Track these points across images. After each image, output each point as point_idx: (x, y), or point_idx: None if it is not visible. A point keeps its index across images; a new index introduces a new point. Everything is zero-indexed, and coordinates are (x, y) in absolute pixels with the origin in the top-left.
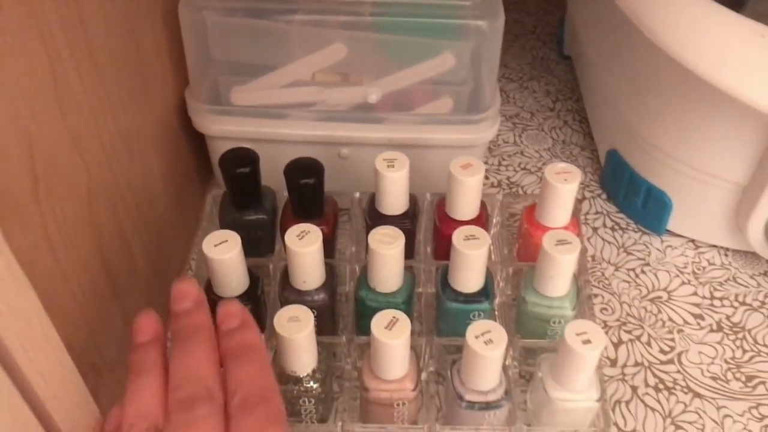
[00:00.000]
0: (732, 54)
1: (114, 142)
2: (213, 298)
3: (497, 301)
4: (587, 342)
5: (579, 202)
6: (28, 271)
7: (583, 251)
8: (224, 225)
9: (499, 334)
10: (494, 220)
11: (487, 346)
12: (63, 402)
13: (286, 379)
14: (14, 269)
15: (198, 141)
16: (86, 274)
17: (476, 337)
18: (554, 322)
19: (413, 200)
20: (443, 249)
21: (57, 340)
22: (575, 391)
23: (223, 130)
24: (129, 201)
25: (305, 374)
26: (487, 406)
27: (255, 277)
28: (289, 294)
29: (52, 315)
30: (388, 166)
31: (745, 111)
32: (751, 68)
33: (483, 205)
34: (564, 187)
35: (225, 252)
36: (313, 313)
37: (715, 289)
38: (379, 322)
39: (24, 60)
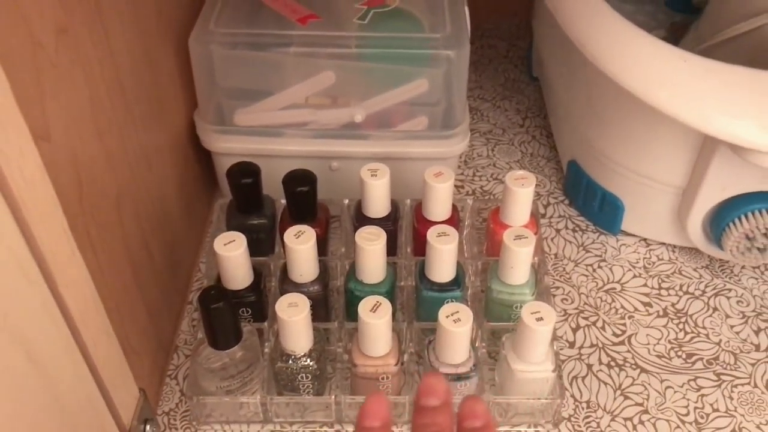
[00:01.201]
0: (661, 76)
1: (137, 156)
2: (224, 289)
3: (469, 292)
4: (540, 319)
5: (544, 207)
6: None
7: (541, 246)
8: (230, 228)
9: (465, 314)
10: (466, 222)
11: (456, 324)
12: (108, 364)
13: (286, 357)
14: (76, 253)
15: (205, 157)
16: (116, 268)
17: (447, 316)
18: (516, 307)
19: (395, 205)
20: (421, 246)
21: (104, 314)
22: (533, 363)
23: (227, 147)
24: (149, 207)
25: (303, 353)
26: (458, 377)
27: (258, 273)
28: (288, 286)
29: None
30: (371, 175)
31: (677, 124)
32: (676, 88)
33: (455, 208)
34: (521, 190)
35: (233, 249)
36: (309, 302)
37: (663, 281)
38: (365, 305)
39: (72, 90)
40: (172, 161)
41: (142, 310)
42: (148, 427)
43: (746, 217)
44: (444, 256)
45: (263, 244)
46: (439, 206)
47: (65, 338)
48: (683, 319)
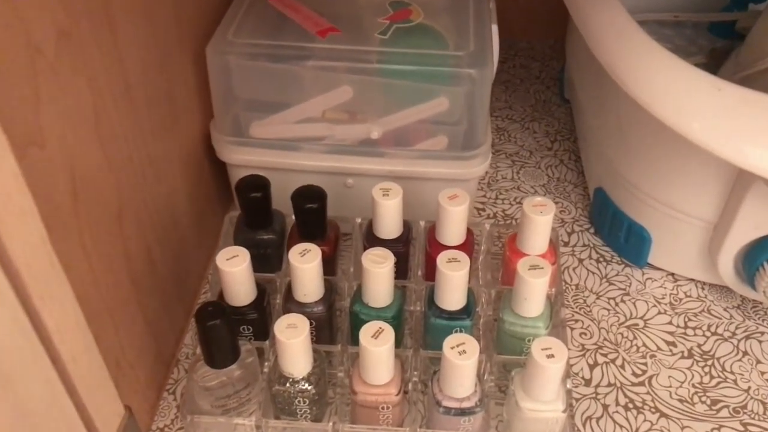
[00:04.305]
0: (693, 106)
1: (144, 166)
2: (225, 306)
3: (481, 321)
4: (551, 356)
5: (568, 234)
6: (64, 272)
7: (559, 277)
8: (238, 243)
9: (472, 345)
10: (482, 247)
11: (461, 356)
12: (89, 381)
13: (283, 380)
14: (55, 265)
15: (220, 168)
16: (114, 279)
17: (452, 348)
18: (528, 340)
19: (407, 226)
20: (432, 271)
21: (85, 328)
22: (542, 402)
23: (243, 159)
24: (155, 218)
25: (300, 377)
26: (462, 412)
27: (262, 290)
28: (291, 305)
29: (82, 312)
30: (383, 195)
31: (710, 156)
32: (709, 118)
33: (470, 232)
34: (539, 218)
35: (235, 265)
36: (312, 323)
37: (690, 319)
38: (366, 331)
39: (72, 96)
40: (184, 172)
41: (140, 322)
42: None
43: None
44: (453, 283)
45: (271, 260)
46: (453, 230)
47: (37, 353)
48: (710, 362)
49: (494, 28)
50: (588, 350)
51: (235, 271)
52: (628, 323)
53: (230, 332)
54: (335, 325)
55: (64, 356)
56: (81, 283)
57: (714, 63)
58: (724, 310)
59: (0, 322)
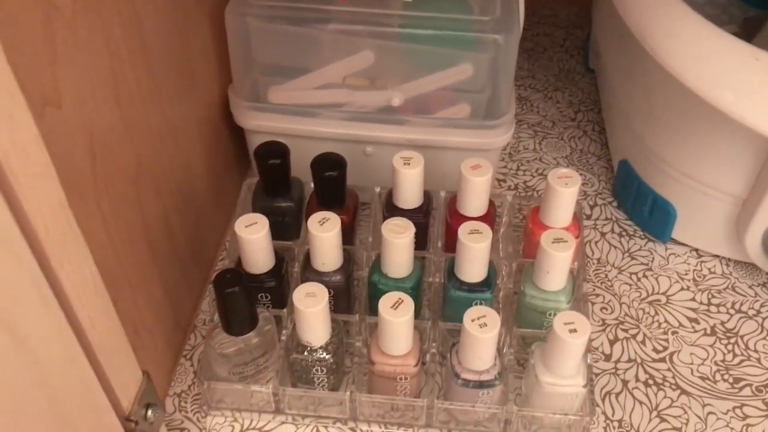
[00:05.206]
0: (728, 75)
1: (161, 130)
2: (244, 273)
3: (501, 293)
4: (573, 331)
5: (590, 208)
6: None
7: (582, 251)
8: (256, 210)
9: (493, 318)
10: (504, 219)
11: (482, 329)
12: (107, 346)
13: (301, 348)
14: (74, 228)
15: (238, 134)
16: (131, 245)
17: (472, 320)
18: (549, 314)
19: (428, 196)
20: (452, 242)
21: (104, 293)
22: (562, 377)
23: (261, 125)
24: (172, 183)
25: (318, 345)
26: (481, 384)
27: (280, 258)
28: (309, 274)
29: (101, 277)
30: (404, 164)
31: (743, 129)
32: (744, 89)
33: (492, 204)
34: (565, 190)
35: (254, 232)
36: (330, 293)
37: (713, 296)
38: (385, 302)
39: (90, 57)
40: (202, 136)
41: (158, 288)
42: (149, 411)
43: None
44: (475, 255)
45: (289, 228)
46: (475, 201)
47: (56, 318)
48: (733, 340)
49: None
50: (609, 325)
51: (254, 239)
52: (650, 299)
53: (248, 300)
54: (353, 294)
55: (83, 321)
56: (99, 247)
57: (746, 32)
58: (749, 287)
59: (19, 285)
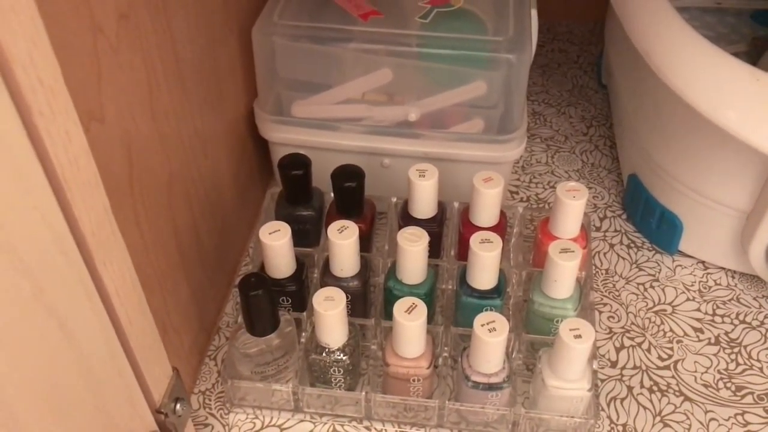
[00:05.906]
0: (729, 95)
1: (192, 141)
2: (267, 278)
3: (511, 301)
4: (578, 336)
5: (600, 220)
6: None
7: (589, 261)
8: (279, 217)
9: (501, 324)
10: (515, 230)
11: (491, 333)
12: (142, 342)
13: (320, 349)
14: (116, 233)
15: (262, 145)
16: (163, 248)
17: (482, 325)
18: (557, 321)
19: (442, 207)
20: (465, 251)
21: (141, 293)
22: (568, 380)
23: (284, 137)
24: (200, 192)
25: (336, 347)
26: (490, 387)
27: (301, 264)
28: (328, 279)
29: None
30: (419, 176)
31: (745, 146)
32: (745, 108)
33: (503, 215)
34: (572, 202)
35: (277, 239)
36: (348, 297)
37: (718, 307)
38: (400, 306)
39: (129, 74)
40: (229, 148)
41: (185, 290)
42: (178, 405)
43: None
44: (485, 263)
45: (309, 235)
46: (486, 212)
47: (100, 314)
48: (736, 350)
49: (533, 13)
50: (615, 333)
51: (277, 245)
52: (656, 308)
53: (271, 302)
54: (369, 299)
55: (122, 318)
56: (134, 251)
57: (756, 51)
58: (754, 299)
59: (69, 284)
